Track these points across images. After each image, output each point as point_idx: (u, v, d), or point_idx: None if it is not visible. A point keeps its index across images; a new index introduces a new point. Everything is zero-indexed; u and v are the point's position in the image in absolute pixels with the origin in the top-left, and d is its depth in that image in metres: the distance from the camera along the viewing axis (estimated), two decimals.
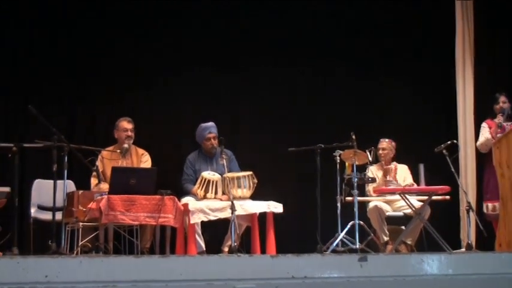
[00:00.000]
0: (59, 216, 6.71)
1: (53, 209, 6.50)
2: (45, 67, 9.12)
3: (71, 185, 7.86)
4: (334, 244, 7.70)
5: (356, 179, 7.86)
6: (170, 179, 8.59)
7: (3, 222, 7.37)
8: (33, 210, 7.89)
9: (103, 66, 9.30)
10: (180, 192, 7.86)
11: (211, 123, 8.11)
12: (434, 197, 8.05)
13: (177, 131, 9.53)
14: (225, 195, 7.51)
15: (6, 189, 6.77)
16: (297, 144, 8.24)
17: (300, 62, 9.91)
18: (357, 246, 7.60)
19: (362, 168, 8.15)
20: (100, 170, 7.38)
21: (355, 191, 7.85)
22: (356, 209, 7.79)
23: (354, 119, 9.57)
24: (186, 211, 7.27)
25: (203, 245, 7.50)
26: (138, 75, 9.40)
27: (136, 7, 9.40)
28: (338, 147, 7.99)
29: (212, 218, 7.31)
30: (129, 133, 7.96)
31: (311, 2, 9.86)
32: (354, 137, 7.93)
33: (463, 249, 8.21)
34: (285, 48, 9.85)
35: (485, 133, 8.29)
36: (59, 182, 6.58)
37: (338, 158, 7.97)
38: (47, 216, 7.62)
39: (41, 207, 7.89)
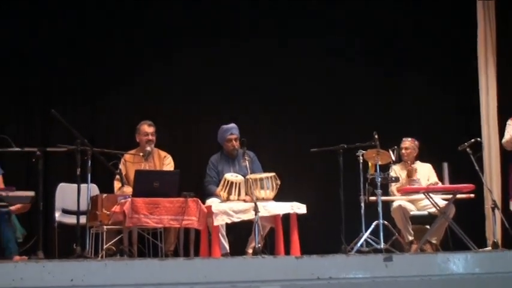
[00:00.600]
0: (83, 219, 6.75)
1: (77, 213, 6.53)
2: (66, 70, 9.20)
3: (94, 189, 7.88)
4: (359, 244, 7.67)
5: (379, 179, 7.84)
6: (193, 181, 8.64)
7: (29, 226, 7.45)
8: (57, 214, 7.93)
9: (124, 70, 9.34)
10: (203, 193, 7.87)
11: (232, 125, 8.12)
12: (458, 196, 7.99)
13: (199, 132, 9.56)
14: (248, 196, 7.50)
15: (31, 193, 6.80)
16: (319, 145, 8.22)
17: (321, 62, 9.89)
18: (382, 246, 7.59)
19: (385, 168, 8.12)
20: (123, 174, 7.41)
21: (379, 191, 7.82)
22: (380, 209, 7.77)
23: (376, 119, 9.54)
24: (209, 213, 7.27)
25: (227, 247, 7.50)
26: (159, 77, 9.45)
27: (159, 15, 9.47)
28: (361, 147, 7.96)
29: (236, 219, 7.30)
30: (150, 137, 7.97)
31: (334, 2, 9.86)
32: (376, 136, 7.90)
33: (489, 248, 8.15)
34: (306, 47, 9.85)
35: (510, 130, 8.23)
36: (83, 185, 6.61)
37: (361, 158, 7.95)
38: (71, 220, 7.64)
39: (65, 211, 7.94)
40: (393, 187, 8.40)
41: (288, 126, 9.87)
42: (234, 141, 8.06)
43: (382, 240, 7.64)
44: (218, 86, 9.62)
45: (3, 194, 6.64)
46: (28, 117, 9.08)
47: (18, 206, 7.02)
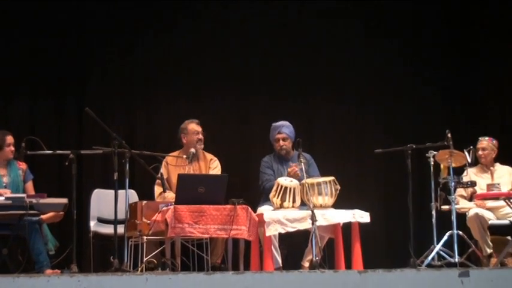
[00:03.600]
0: (121, 229, 6.78)
1: (115, 222, 6.59)
2: (101, 66, 9.33)
3: (133, 195, 7.97)
4: (430, 257, 7.59)
5: (453, 183, 7.74)
6: (242, 186, 8.64)
7: (61, 237, 7.54)
8: (92, 224, 8.00)
9: (164, 67, 9.44)
10: (253, 200, 7.86)
11: (282, 123, 8.10)
12: None
13: (247, 132, 9.61)
14: (304, 203, 7.47)
15: (64, 200, 6.90)
16: (384, 145, 8.16)
17: (382, 54, 9.89)
18: (456, 260, 7.49)
19: (459, 171, 8.02)
20: (165, 178, 7.43)
21: (453, 197, 7.73)
22: (454, 218, 7.67)
23: (449, 115, 9.45)
24: (261, 222, 7.24)
25: (280, 260, 7.48)
26: (200, 74, 9.51)
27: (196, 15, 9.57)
28: (431, 148, 7.87)
29: (290, 229, 7.25)
30: (200, 136, 7.99)
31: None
32: (449, 135, 7.80)
33: None
34: (365, 41, 9.87)
35: None
36: (121, 191, 6.66)
37: (432, 159, 7.85)
38: (107, 229, 7.75)
39: (101, 220, 8.02)
40: (469, 193, 8.30)
41: (347, 125, 9.86)
42: (281, 141, 8.05)
43: (456, 253, 7.54)
44: (268, 81, 9.66)
45: (34, 201, 6.74)
46: (60, 117, 9.20)
47: (49, 214, 7.12)
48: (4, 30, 8.95)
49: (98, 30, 9.27)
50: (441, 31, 9.97)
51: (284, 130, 8.08)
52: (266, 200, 7.83)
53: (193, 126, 8.02)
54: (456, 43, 10.01)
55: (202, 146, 8.02)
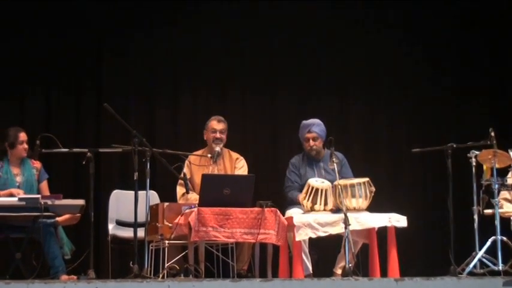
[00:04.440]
0: (141, 233, 6.78)
1: (134, 225, 6.59)
2: (118, 60, 9.35)
3: (154, 197, 7.97)
4: (472, 265, 7.52)
5: (497, 186, 7.66)
6: (270, 188, 8.63)
7: (78, 240, 7.54)
8: (111, 227, 8.00)
9: (187, 60, 9.46)
10: (282, 202, 7.83)
11: (312, 121, 8.03)
12: None
13: (275, 130, 9.59)
14: (336, 206, 7.43)
15: (81, 201, 6.90)
16: (421, 144, 8.12)
17: (423, 49, 9.92)
18: (500, 268, 7.42)
19: (503, 172, 7.95)
20: (188, 178, 7.39)
21: (496, 200, 7.65)
22: (497, 222, 7.60)
23: (492, 113, 9.40)
24: (290, 226, 7.22)
25: (311, 267, 7.46)
26: (227, 69, 9.54)
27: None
28: (473, 147, 7.80)
29: (322, 234, 7.22)
30: (218, 135, 7.95)
31: None
32: (493, 134, 7.73)
33: None
34: (403, 35, 9.90)
35: None
36: (141, 192, 6.66)
37: (474, 160, 7.79)
38: (127, 233, 7.74)
39: (120, 223, 8.02)
40: (505, 196, 8.23)
41: (382, 122, 9.83)
42: (311, 141, 7.98)
43: (500, 261, 7.46)
44: (299, 75, 9.67)
45: (49, 202, 6.75)
46: (77, 113, 9.23)
47: (65, 216, 7.12)
48: (19, 23, 8.99)
49: (117, 23, 9.28)
50: (486, 28, 9.89)
51: (314, 129, 8.00)
52: (291, 204, 7.84)
53: (212, 124, 7.99)
54: (496, 40, 9.93)
55: (221, 145, 7.97)
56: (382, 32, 9.84)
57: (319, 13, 9.70)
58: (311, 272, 7.44)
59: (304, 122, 8.06)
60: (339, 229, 7.14)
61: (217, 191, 6.97)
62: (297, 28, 9.66)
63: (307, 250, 7.44)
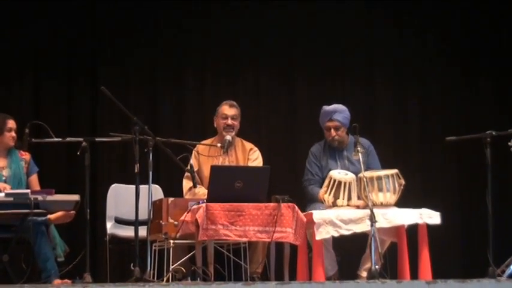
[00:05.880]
0: (142, 232, 6.77)
1: (135, 223, 6.58)
2: (116, 41, 9.39)
3: (157, 191, 7.95)
4: None
5: None
6: (286, 181, 8.63)
7: (72, 240, 7.54)
8: (109, 225, 8.01)
9: (194, 40, 9.49)
10: (301, 197, 7.81)
11: (335, 107, 7.97)
12: None
13: (293, 118, 9.63)
14: (361, 201, 7.40)
15: (75, 197, 6.87)
16: (456, 132, 8.06)
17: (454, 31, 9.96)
18: None
19: None
20: (195, 170, 7.38)
21: None
22: None
23: None
24: (310, 223, 7.19)
25: (334, 268, 7.51)
26: (238, 50, 9.59)
27: None
28: None
29: (345, 232, 7.20)
30: (230, 121, 7.92)
31: None
32: None
33: None
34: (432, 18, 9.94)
35: None
36: (142, 187, 6.63)
37: None
38: (127, 232, 7.74)
39: (119, 221, 8.02)
40: None
41: (411, 108, 9.85)
42: (333, 131, 7.92)
43: None
44: (320, 58, 9.67)
45: (39, 198, 6.71)
46: (71, 99, 9.28)
47: (58, 214, 7.11)
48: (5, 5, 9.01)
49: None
50: None
51: (336, 117, 7.91)
52: (311, 201, 7.84)
53: (223, 109, 7.97)
54: None
55: (233, 134, 7.94)
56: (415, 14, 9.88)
57: None
58: (334, 273, 7.52)
59: (326, 108, 8.00)
60: (364, 227, 7.13)
61: (228, 185, 6.93)
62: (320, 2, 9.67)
63: (330, 249, 7.47)
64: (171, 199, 7.13)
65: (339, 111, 7.92)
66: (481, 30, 9.92)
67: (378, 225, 6.91)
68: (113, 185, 8.19)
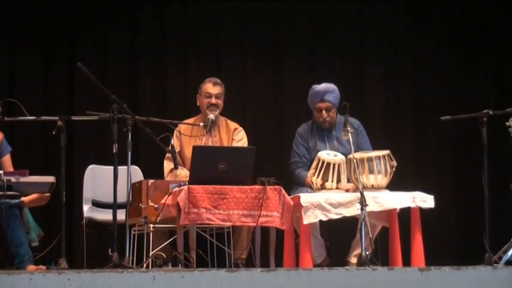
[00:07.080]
0: (121, 215, 6.73)
1: (114, 206, 6.55)
2: (95, 14, 9.36)
3: (137, 173, 8.00)
4: (510, 253, 7.50)
5: None
6: (272, 162, 8.64)
7: (47, 224, 7.54)
8: (86, 208, 8.03)
9: (175, 17, 9.52)
10: (288, 179, 7.82)
11: (326, 86, 7.94)
12: None
13: (280, 96, 9.65)
14: (351, 184, 7.41)
15: (50, 178, 6.86)
16: (451, 111, 8.12)
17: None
18: None
19: None
20: (177, 151, 7.39)
21: None
22: None
23: None
24: (297, 207, 7.20)
25: (322, 254, 7.53)
26: (222, 25, 9.61)
27: None
28: None
29: (334, 216, 7.21)
30: (213, 100, 7.91)
31: None
32: None
33: None
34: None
35: None
36: (121, 168, 6.59)
37: None
38: (104, 215, 7.78)
39: (97, 204, 8.05)
40: None
41: (403, 86, 9.90)
42: (324, 112, 7.91)
43: None
44: (308, 33, 9.71)
45: (13, 179, 6.70)
46: (46, 76, 9.25)
47: (33, 196, 7.08)
48: None
49: None
50: None
51: (328, 97, 7.90)
52: (298, 185, 7.85)
53: (206, 87, 7.93)
54: None
55: (217, 113, 7.93)
56: None
57: None
58: (322, 259, 7.57)
59: (316, 87, 7.97)
60: (354, 210, 7.15)
61: (211, 166, 6.92)
62: None
63: (318, 235, 7.49)
64: (151, 181, 7.12)
65: (330, 91, 7.90)
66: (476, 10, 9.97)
67: (368, 209, 6.92)
68: (90, 166, 8.20)
